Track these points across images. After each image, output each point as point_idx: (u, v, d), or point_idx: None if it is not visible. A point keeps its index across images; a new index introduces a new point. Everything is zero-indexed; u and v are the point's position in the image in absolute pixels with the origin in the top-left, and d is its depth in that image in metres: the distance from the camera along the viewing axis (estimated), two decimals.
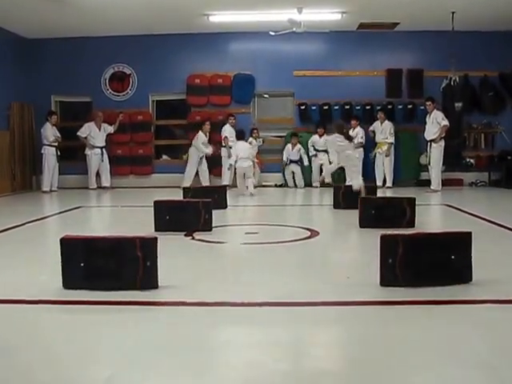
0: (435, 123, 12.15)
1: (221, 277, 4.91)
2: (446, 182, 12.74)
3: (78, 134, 13.44)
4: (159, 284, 4.32)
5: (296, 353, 3.19)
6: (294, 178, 13.69)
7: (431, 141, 12.23)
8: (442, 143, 12.18)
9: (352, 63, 13.94)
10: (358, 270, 5.13)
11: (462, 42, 12.47)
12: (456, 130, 12.39)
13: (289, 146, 13.58)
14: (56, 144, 13.15)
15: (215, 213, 7.33)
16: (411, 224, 6.97)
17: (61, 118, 14.39)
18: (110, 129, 13.65)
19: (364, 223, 7.12)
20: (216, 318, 3.80)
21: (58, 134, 13.22)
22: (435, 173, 12.31)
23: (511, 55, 13.22)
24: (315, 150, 13.49)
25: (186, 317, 3.84)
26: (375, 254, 4.36)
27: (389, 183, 13.11)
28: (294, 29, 11.76)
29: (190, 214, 7.01)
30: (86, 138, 13.45)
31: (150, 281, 4.30)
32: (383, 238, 4.34)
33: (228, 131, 13.20)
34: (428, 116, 12.40)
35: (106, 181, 13.68)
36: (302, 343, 3.37)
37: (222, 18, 12.48)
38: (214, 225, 7.09)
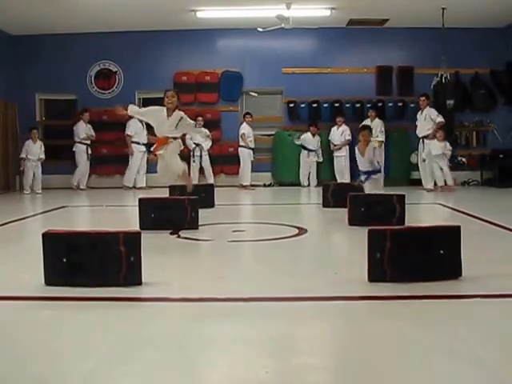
0: (428, 120, 11.99)
1: (206, 273, 4.79)
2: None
3: (128, 133, 12.98)
4: (143, 281, 4.20)
5: (283, 348, 3.08)
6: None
7: (424, 137, 12.10)
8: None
9: (342, 60, 13.85)
10: (346, 266, 5.03)
11: (452, 39, 12.41)
12: (448, 127, 12.26)
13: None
14: (88, 142, 13.16)
15: (202, 212, 7.20)
16: (401, 222, 6.84)
17: (46, 116, 14.27)
18: None
19: (353, 221, 7.01)
20: (201, 314, 3.71)
21: (92, 133, 13.19)
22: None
23: (502, 52, 13.17)
24: (305, 148, 13.32)
25: (171, 313, 3.75)
26: (364, 252, 4.26)
27: None
28: (283, 25, 11.66)
29: (176, 212, 6.88)
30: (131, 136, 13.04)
31: (133, 277, 4.19)
32: (371, 232, 4.24)
33: (246, 129, 13.07)
34: (420, 113, 12.24)
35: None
36: (288, 339, 3.26)
37: (209, 13, 12.37)
38: (200, 223, 6.94)
